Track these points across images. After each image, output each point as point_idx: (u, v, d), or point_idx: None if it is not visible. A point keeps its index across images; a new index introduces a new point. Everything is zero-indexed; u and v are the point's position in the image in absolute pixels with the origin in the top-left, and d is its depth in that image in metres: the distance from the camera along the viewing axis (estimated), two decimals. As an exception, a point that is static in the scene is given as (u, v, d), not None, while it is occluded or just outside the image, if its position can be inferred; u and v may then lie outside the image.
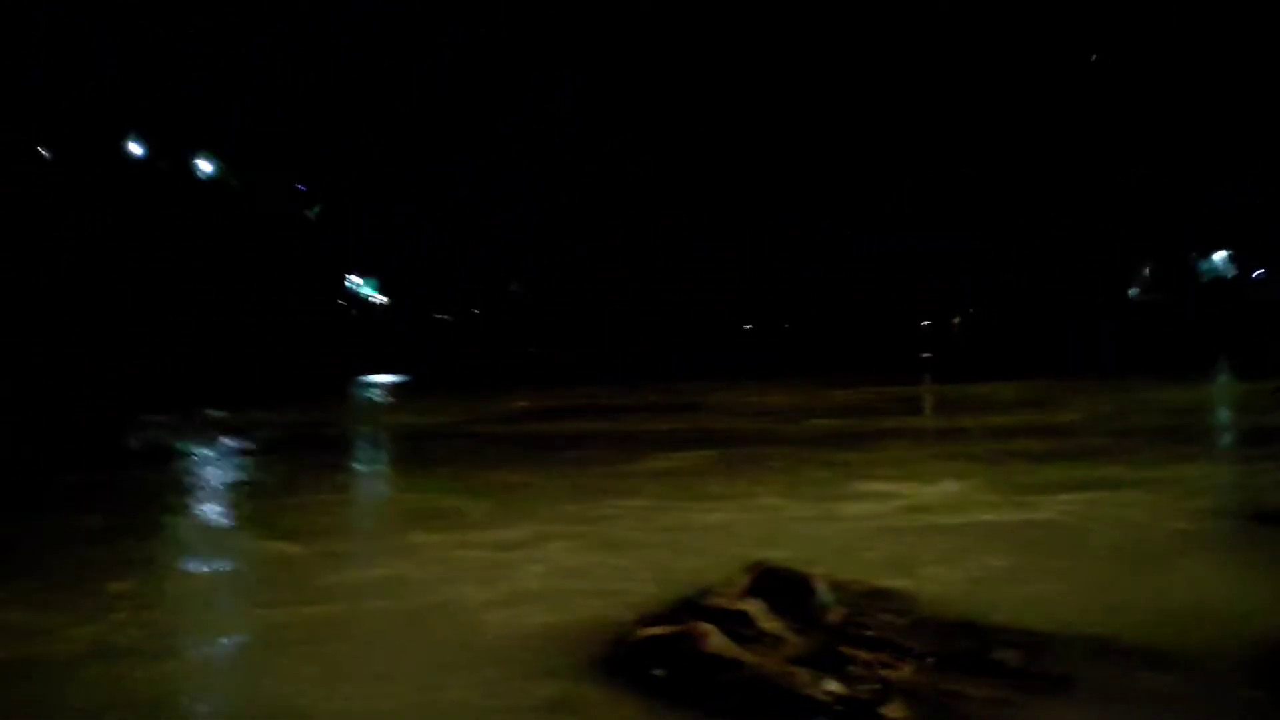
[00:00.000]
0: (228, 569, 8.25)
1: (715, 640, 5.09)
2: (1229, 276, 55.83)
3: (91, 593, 7.06)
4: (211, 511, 10.73)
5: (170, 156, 45.09)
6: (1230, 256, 55.85)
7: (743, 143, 53.58)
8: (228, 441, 16.88)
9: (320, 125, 50.25)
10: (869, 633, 5.47)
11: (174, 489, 11.92)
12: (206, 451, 15.78)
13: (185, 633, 6.41)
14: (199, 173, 46.58)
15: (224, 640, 6.28)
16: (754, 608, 5.62)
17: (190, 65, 45.08)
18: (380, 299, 62.15)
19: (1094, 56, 48.81)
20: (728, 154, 53.96)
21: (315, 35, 48.95)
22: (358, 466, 14.56)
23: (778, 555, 6.60)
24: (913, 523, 8.70)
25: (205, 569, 8.25)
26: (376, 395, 32.19)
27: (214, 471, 13.70)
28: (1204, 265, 56.91)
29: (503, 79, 52.79)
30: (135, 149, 44.16)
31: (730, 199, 55.13)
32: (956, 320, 65.38)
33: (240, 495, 11.74)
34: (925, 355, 51.10)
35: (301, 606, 6.67)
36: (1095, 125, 51.18)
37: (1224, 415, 20.00)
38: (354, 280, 60.12)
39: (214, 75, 46.14)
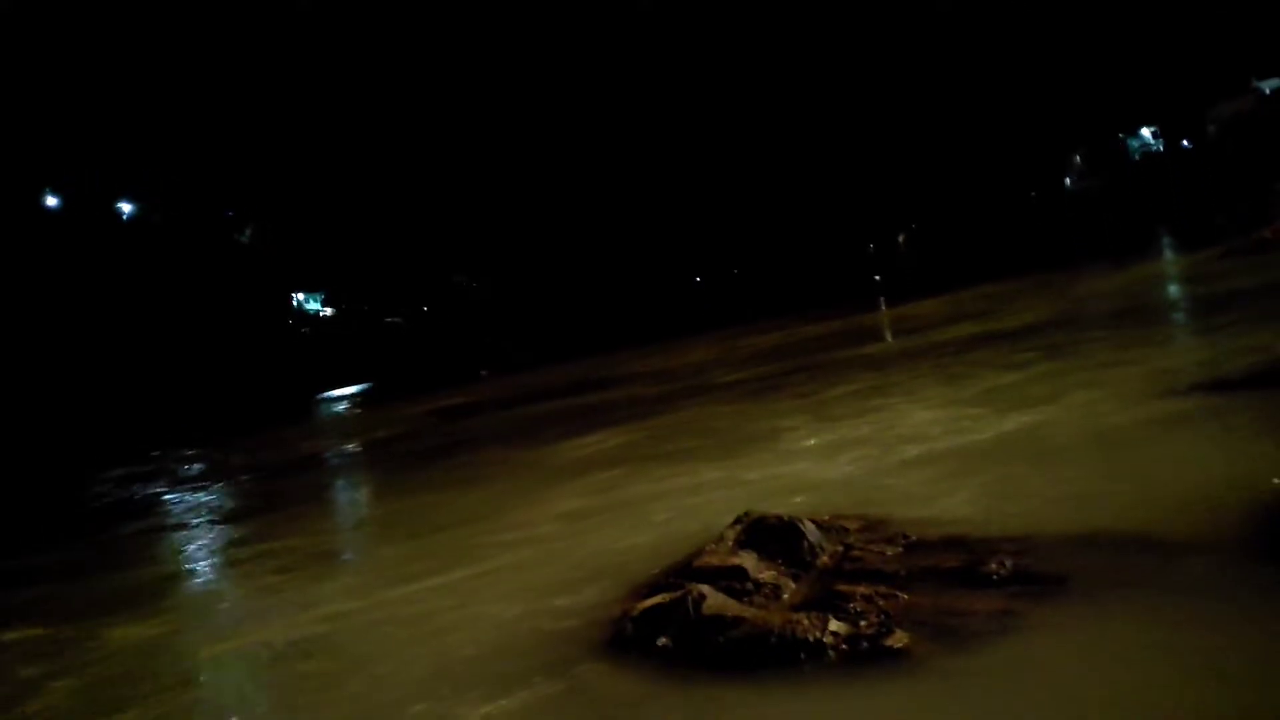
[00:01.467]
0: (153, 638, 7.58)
1: (713, 600, 5.11)
2: (1158, 151, 56.36)
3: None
4: (156, 574, 10.20)
5: (89, 203, 44.47)
6: (1156, 131, 56.35)
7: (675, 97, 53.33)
8: (176, 494, 16.70)
9: (242, 147, 49.56)
10: (863, 567, 5.50)
11: (117, 555, 11.57)
12: (155, 505, 15.56)
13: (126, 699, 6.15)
14: (122, 214, 45.98)
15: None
16: (747, 561, 5.65)
17: (105, 106, 44.35)
18: (328, 311, 61.67)
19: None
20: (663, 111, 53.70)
21: (234, 58, 48.23)
22: (294, 508, 13.40)
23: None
24: (888, 460, 8.54)
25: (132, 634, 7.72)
26: (331, 413, 31.91)
27: (162, 532, 13.16)
28: (1133, 143, 57.37)
29: (426, 75, 52.28)
30: (52, 200, 43.56)
31: (664, 152, 54.89)
32: (901, 238, 65.76)
33: (176, 555, 11.21)
34: (876, 277, 51.33)
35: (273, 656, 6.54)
36: (1012, 24, 51.28)
37: (1174, 291, 20.15)
38: (299, 297, 59.63)
39: (130, 113, 45.42)
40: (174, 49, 46.54)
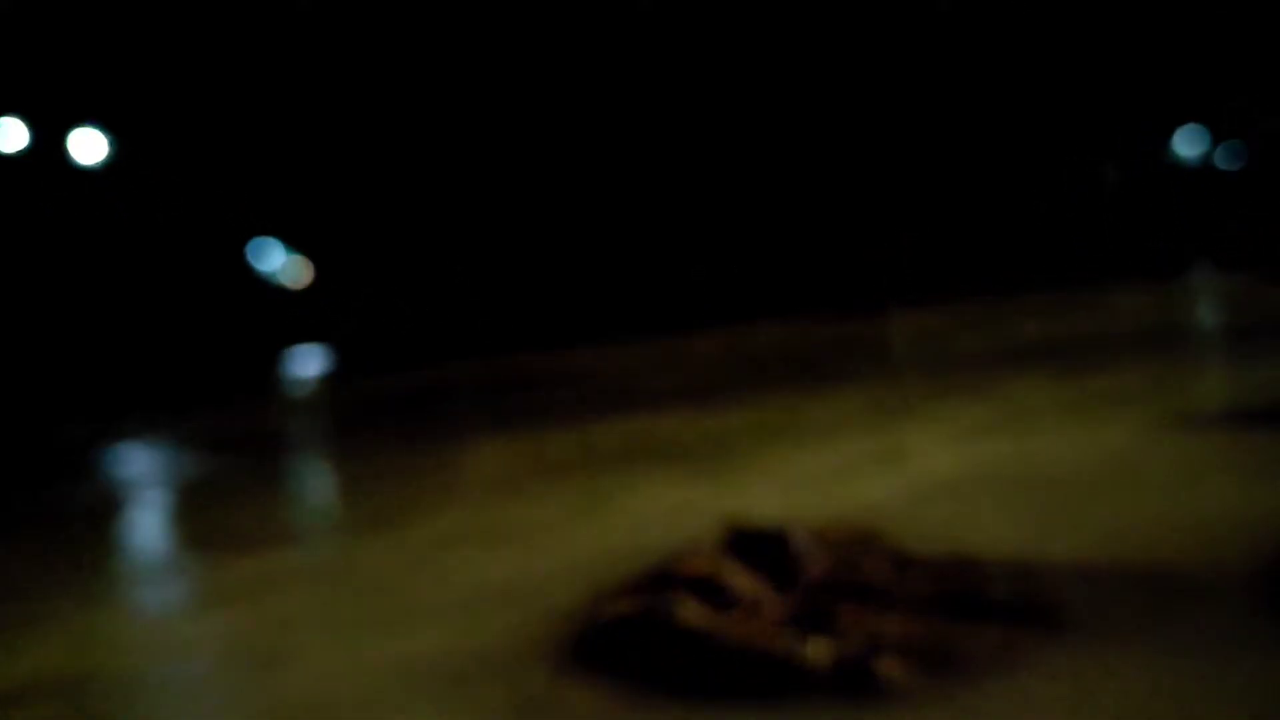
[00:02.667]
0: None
1: (690, 611, 4.79)
2: (1203, 168, 55.97)
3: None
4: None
5: (50, 137, 43.79)
6: (1202, 148, 55.93)
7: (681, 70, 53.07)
8: (110, 472, 16.10)
9: (231, 96, 49.13)
10: (853, 584, 5.18)
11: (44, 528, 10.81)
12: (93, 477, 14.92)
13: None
14: (75, 150, 45.17)
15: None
16: (729, 570, 5.33)
17: (68, 29, 43.85)
18: (310, 270, 61.49)
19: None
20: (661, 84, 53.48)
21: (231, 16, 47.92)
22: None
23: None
24: (878, 481, 7.98)
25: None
26: (292, 379, 31.57)
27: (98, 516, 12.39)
28: (1177, 155, 57.01)
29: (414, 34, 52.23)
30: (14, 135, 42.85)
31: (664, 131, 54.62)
32: (919, 239, 65.36)
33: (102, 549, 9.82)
34: (890, 278, 51.08)
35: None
36: (1059, 21, 50.85)
37: (1204, 315, 19.84)
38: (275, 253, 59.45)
39: (91, 35, 44.92)
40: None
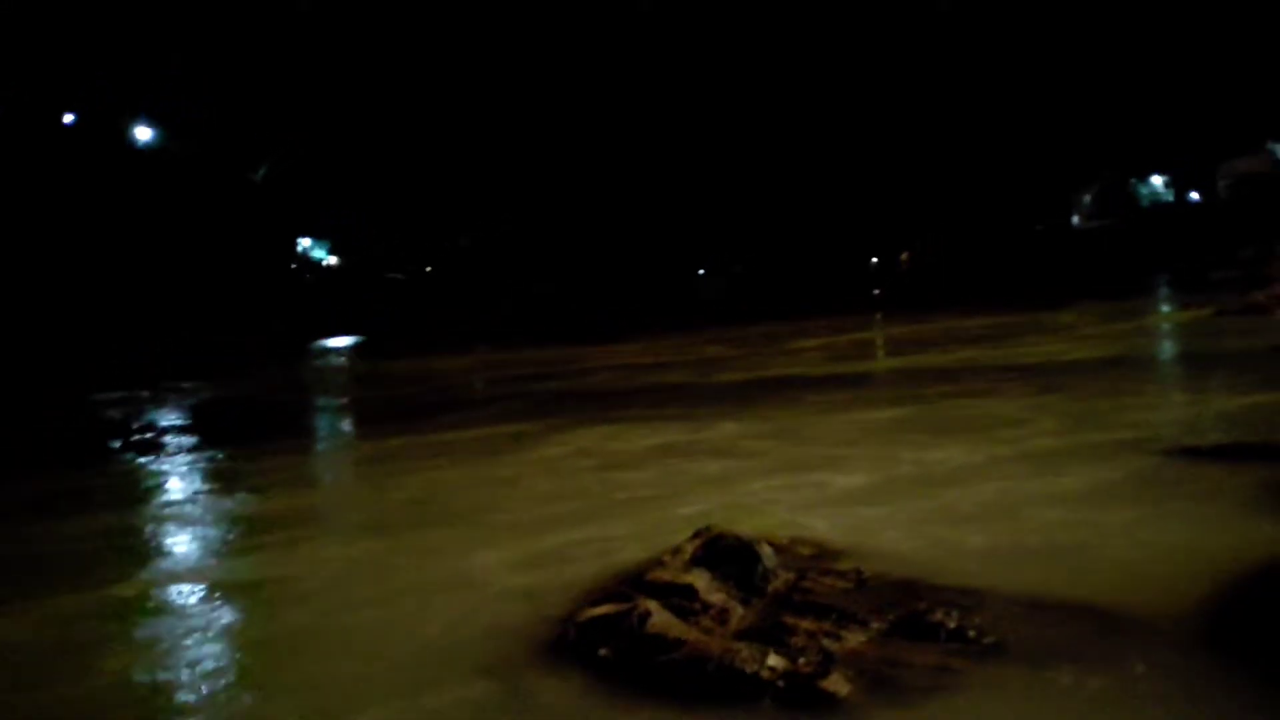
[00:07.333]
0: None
1: (658, 618, 5.13)
2: (1168, 200, 56.57)
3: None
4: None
5: (106, 124, 44.28)
6: (1167, 181, 56.51)
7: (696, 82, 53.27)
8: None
9: (266, 91, 49.38)
10: (812, 599, 5.50)
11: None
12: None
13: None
14: (136, 140, 45.80)
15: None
16: (699, 580, 5.67)
17: (130, 29, 44.11)
18: (333, 260, 61.67)
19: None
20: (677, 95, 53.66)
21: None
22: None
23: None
24: (838, 502, 8.10)
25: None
26: (322, 364, 31.75)
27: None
28: (1143, 190, 57.55)
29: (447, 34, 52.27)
30: (69, 118, 43.37)
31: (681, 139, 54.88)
32: (905, 256, 65.81)
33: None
34: (875, 291, 51.39)
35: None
36: (1034, 57, 51.26)
37: (1162, 346, 20.17)
38: (305, 244, 59.66)
39: (154, 37, 45.21)
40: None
